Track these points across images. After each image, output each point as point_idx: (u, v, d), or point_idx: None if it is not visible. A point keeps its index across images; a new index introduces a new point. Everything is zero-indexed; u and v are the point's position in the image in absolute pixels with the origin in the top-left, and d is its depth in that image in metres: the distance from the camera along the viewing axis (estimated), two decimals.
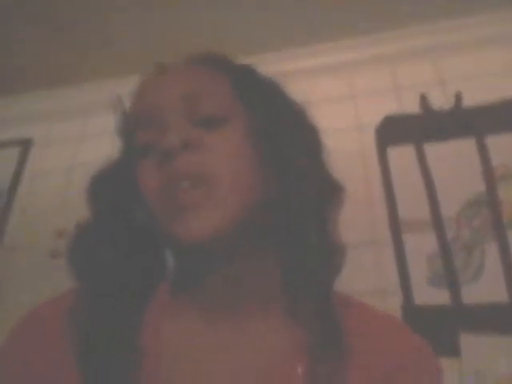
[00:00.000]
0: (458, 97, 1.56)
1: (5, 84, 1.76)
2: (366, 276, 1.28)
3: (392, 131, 1.57)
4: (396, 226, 1.36)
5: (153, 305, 0.55)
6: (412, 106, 1.58)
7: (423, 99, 1.60)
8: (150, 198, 0.52)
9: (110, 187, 0.59)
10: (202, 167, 0.50)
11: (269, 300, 0.55)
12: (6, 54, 1.65)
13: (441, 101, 1.57)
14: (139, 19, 1.53)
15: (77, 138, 1.79)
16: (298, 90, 1.71)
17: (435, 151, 1.49)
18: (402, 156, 1.51)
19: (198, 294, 0.55)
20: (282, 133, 0.57)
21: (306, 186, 0.55)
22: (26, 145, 1.83)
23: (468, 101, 1.54)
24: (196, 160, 0.50)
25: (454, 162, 1.45)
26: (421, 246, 1.32)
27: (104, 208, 0.58)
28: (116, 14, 1.52)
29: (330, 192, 0.59)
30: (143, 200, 0.54)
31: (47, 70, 1.69)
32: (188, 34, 1.56)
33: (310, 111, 0.64)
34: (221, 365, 0.51)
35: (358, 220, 1.39)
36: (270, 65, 1.69)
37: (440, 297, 1.24)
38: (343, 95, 1.67)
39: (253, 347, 0.52)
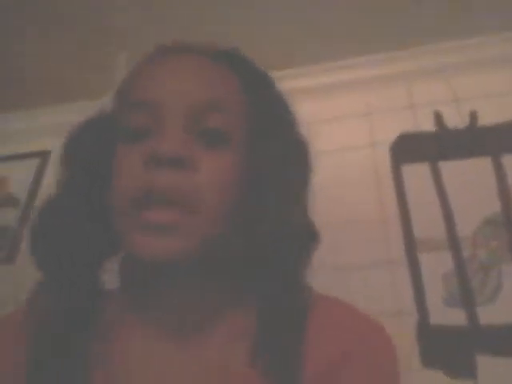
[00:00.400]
0: (473, 115, 1.56)
1: (25, 97, 1.79)
2: (382, 296, 1.27)
3: (407, 149, 1.57)
4: (411, 245, 1.36)
5: (102, 323, 0.53)
6: (427, 124, 1.58)
7: (438, 117, 1.60)
8: (121, 195, 0.49)
9: (86, 153, 0.55)
10: (184, 189, 0.47)
11: (217, 315, 0.53)
12: (26, 67, 1.69)
13: (455, 119, 1.57)
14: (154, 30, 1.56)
15: None
16: (314, 107, 1.73)
17: (450, 170, 1.49)
18: (416, 174, 1.51)
19: (146, 312, 0.54)
20: (277, 169, 0.54)
21: (281, 233, 0.51)
22: (44, 156, 1.86)
23: (483, 120, 1.53)
24: (181, 180, 0.48)
25: (469, 180, 1.45)
26: (436, 265, 1.31)
27: (76, 181, 0.55)
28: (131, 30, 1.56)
29: (304, 242, 0.55)
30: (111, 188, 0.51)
31: (68, 83, 1.73)
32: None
33: (311, 142, 0.61)
34: None
35: (373, 239, 1.39)
36: (285, 81, 1.72)
37: (456, 317, 1.22)
38: (358, 112, 1.68)
39: (199, 368, 0.51)
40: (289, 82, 1.86)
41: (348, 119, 1.66)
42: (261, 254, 0.51)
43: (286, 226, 0.51)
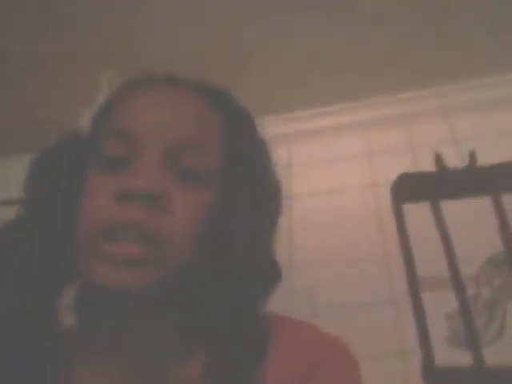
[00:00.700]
0: (473, 155, 1.58)
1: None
2: (385, 336, 1.26)
3: (408, 189, 1.59)
4: (414, 285, 1.35)
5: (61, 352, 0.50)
6: (427, 165, 1.61)
7: (438, 158, 1.63)
8: (88, 225, 0.48)
9: (53, 175, 0.54)
10: (153, 225, 0.47)
11: (179, 358, 0.51)
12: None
13: (455, 159, 1.60)
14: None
15: None
16: (314, 149, 1.76)
17: (451, 209, 1.50)
18: (418, 213, 1.52)
19: (102, 352, 0.51)
20: (246, 211, 0.53)
21: (245, 268, 0.51)
22: None
23: (482, 159, 1.56)
24: (151, 217, 0.47)
25: (470, 219, 1.45)
26: (440, 304, 1.30)
27: (38, 206, 0.53)
28: None
29: (267, 279, 0.55)
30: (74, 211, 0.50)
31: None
32: None
33: (285, 184, 0.62)
34: None
35: (375, 279, 1.39)
36: (286, 124, 1.77)
37: (461, 358, 1.20)
38: (358, 153, 1.72)
39: None
40: (290, 125, 1.93)
41: (348, 160, 1.70)
42: (223, 287, 0.50)
43: (250, 263, 0.51)
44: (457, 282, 1.35)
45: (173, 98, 0.54)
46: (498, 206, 1.45)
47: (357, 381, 0.52)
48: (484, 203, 1.48)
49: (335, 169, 1.69)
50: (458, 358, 1.21)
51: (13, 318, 0.49)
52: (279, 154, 1.87)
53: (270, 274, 0.55)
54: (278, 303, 0.57)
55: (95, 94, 0.59)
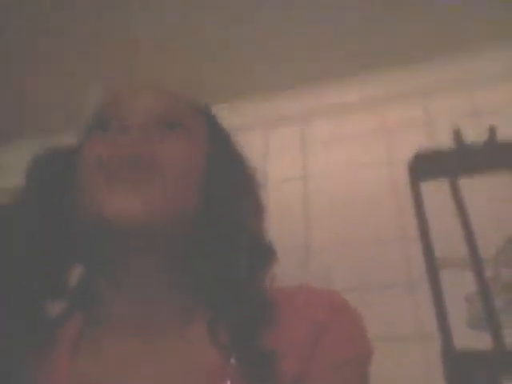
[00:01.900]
0: (493, 130, 1.53)
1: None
2: (403, 319, 1.25)
3: (425, 166, 1.55)
4: (432, 265, 1.33)
5: (59, 349, 0.53)
6: (445, 141, 1.56)
7: (456, 133, 1.58)
8: (90, 167, 0.53)
9: (45, 171, 0.59)
10: (150, 153, 0.52)
11: (187, 314, 0.55)
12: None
13: (474, 134, 1.54)
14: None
15: None
16: (330, 126, 1.72)
17: (471, 186, 1.46)
18: (436, 191, 1.49)
19: (113, 306, 0.54)
20: (231, 184, 0.59)
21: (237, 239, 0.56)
22: None
23: (502, 134, 1.51)
24: (147, 145, 0.52)
25: (490, 196, 1.42)
26: (459, 286, 1.29)
27: (33, 196, 0.57)
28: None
29: (260, 255, 0.58)
30: (72, 192, 0.55)
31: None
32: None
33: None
34: None
35: (392, 259, 1.37)
36: (302, 100, 1.72)
37: (481, 340, 1.19)
38: (375, 130, 1.67)
39: (172, 366, 0.51)
40: (305, 100, 1.87)
41: (364, 137, 1.65)
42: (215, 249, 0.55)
43: (234, 230, 0.56)
44: (476, 262, 1.32)
45: (156, 91, 0.61)
46: None
47: (362, 331, 0.55)
48: (504, 180, 1.44)
49: (350, 147, 1.65)
50: (478, 341, 1.20)
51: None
52: (292, 134, 1.83)
53: (259, 247, 0.58)
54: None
55: (84, 105, 0.65)
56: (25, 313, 0.52)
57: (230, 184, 0.59)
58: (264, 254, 0.58)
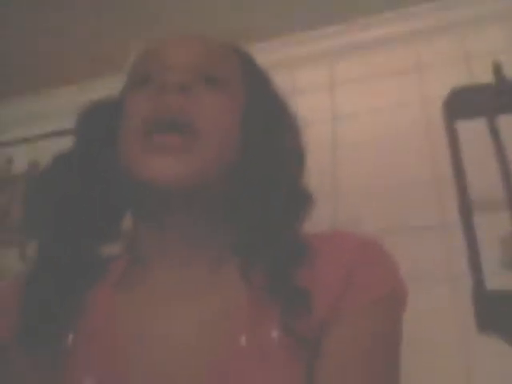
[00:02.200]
0: None
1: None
2: (436, 260, 1.24)
3: (461, 104, 1.48)
4: (466, 207, 1.30)
5: (105, 282, 0.56)
6: (484, 76, 1.47)
7: (496, 67, 1.49)
8: (130, 129, 0.54)
9: (95, 124, 0.61)
10: (190, 114, 0.52)
11: (223, 258, 0.56)
12: (41, 46, 1.71)
13: None
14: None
15: None
16: (362, 63, 1.65)
17: (510, 124, 1.39)
18: (472, 131, 1.43)
19: (154, 252, 0.57)
20: (269, 129, 0.59)
21: (274, 188, 0.56)
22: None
23: None
24: (187, 105, 0.53)
25: None
26: (494, 227, 1.26)
27: (82, 146, 0.60)
28: None
29: (297, 200, 0.58)
30: (117, 142, 0.57)
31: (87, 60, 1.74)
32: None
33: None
34: (175, 334, 0.51)
35: (425, 201, 1.34)
36: (334, 38, 1.64)
37: None
38: (407, 67, 1.59)
39: (210, 304, 0.52)
40: (333, 38, 1.79)
41: (398, 74, 1.58)
42: (254, 197, 0.55)
43: (275, 175, 0.56)
44: None
45: (194, 37, 0.62)
46: None
47: (394, 272, 0.55)
48: None
49: (383, 85, 1.59)
50: (511, 281, 1.18)
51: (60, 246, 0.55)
52: (320, 74, 1.77)
53: (298, 193, 0.58)
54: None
55: (125, 60, 0.64)
56: (82, 251, 0.57)
57: (268, 130, 0.58)
58: (302, 199, 0.58)
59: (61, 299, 0.53)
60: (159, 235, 0.56)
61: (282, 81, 0.65)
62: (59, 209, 0.57)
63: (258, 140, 0.57)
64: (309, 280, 0.51)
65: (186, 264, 0.56)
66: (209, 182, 0.54)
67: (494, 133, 1.41)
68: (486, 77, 1.47)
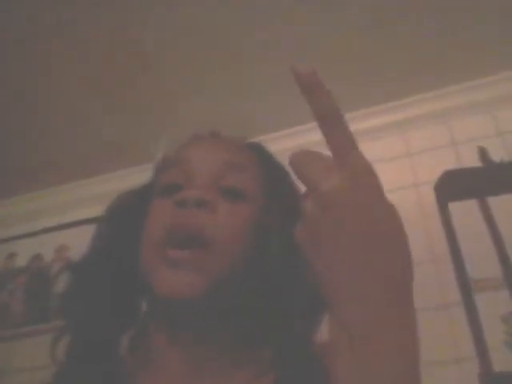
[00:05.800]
0: None
1: (81, 168, 1.93)
2: (439, 343, 1.23)
3: (452, 186, 1.54)
4: (466, 286, 1.32)
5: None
6: (471, 161, 1.56)
7: (482, 152, 1.57)
8: (150, 237, 0.56)
9: (122, 218, 0.63)
10: (204, 229, 0.54)
11: (235, 369, 0.55)
12: (80, 139, 1.83)
13: (500, 153, 1.54)
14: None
15: None
16: None
17: (500, 205, 1.45)
18: (465, 211, 1.48)
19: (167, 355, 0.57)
20: (287, 233, 0.55)
21: (290, 297, 0.55)
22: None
23: None
24: (203, 220, 0.54)
25: None
26: (494, 306, 1.26)
27: (108, 241, 0.62)
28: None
29: (313, 310, 0.57)
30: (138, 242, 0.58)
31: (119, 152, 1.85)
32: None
33: None
34: None
35: (424, 282, 1.35)
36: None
37: None
38: (398, 154, 1.69)
39: None
40: None
41: (388, 162, 1.67)
42: (270, 304, 0.55)
43: (291, 280, 0.55)
44: (510, 280, 1.30)
45: (216, 140, 0.67)
46: None
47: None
48: None
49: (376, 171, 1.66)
50: None
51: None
52: None
53: (312, 299, 0.55)
54: None
55: (156, 149, 0.70)
56: (110, 350, 0.58)
57: (286, 233, 0.55)
58: (320, 305, 0.54)
59: None
60: (170, 341, 0.56)
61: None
62: (92, 303, 0.58)
63: (276, 243, 0.56)
64: None
65: (194, 372, 0.55)
66: (224, 291, 0.54)
67: (486, 213, 1.46)
68: (472, 161, 1.55)
